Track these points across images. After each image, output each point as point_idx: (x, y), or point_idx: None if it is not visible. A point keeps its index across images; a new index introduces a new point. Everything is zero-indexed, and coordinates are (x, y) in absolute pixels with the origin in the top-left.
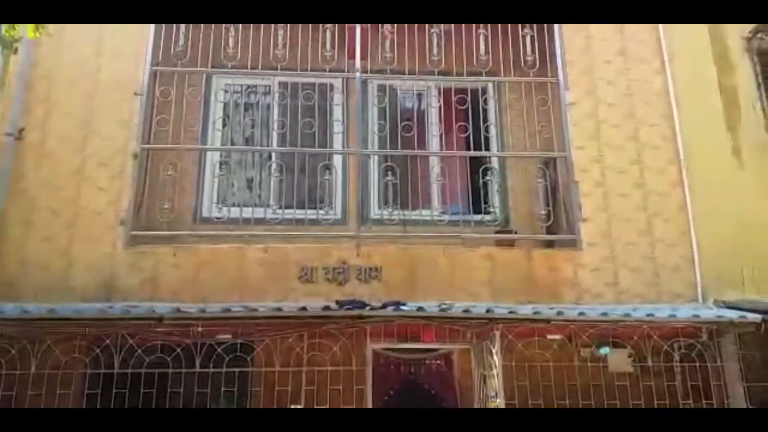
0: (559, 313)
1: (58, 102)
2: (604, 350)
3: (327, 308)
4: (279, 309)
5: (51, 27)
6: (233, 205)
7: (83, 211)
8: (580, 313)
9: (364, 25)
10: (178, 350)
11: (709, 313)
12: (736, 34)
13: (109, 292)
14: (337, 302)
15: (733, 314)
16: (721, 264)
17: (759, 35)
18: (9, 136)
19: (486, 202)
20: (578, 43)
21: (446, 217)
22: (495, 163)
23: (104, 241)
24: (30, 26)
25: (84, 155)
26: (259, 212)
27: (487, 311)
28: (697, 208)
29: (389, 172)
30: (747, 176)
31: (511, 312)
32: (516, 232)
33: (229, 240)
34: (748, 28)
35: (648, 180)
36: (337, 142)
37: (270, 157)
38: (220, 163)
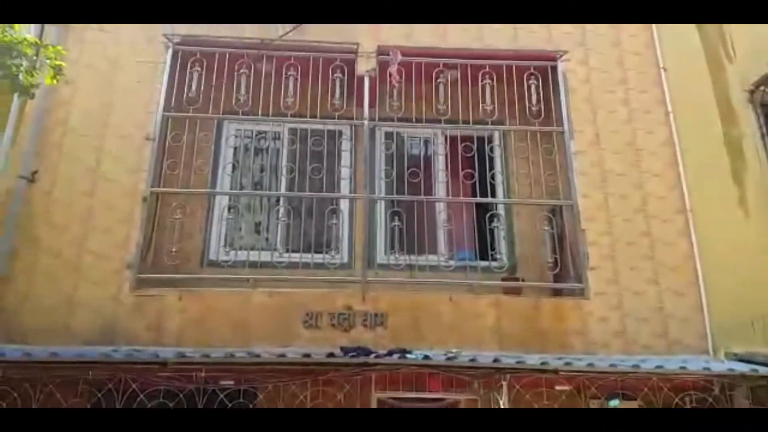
0: (568, 363)
1: (71, 147)
2: (614, 402)
3: (331, 355)
4: (283, 355)
5: (69, 74)
6: (240, 248)
7: (89, 254)
8: (589, 364)
9: (372, 74)
10: (181, 396)
11: (720, 366)
12: (738, 86)
13: (113, 336)
14: (342, 349)
15: (744, 367)
16: (730, 315)
17: (762, 88)
18: (21, 179)
19: (493, 249)
20: (582, 93)
21: (453, 263)
22: (501, 210)
23: (110, 284)
24: (48, 73)
25: (93, 199)
26: (266, 256)
27: (495, 361)
28: (704, 259)
29: (396, 217)
30: (753, 226)
31: (518, 362)
32: (523, 280)
33: (235, 284)
34: (751, 80)
35: (654, 229)
36: (345, 188)
37: (278, 201)
38: (229, 207)
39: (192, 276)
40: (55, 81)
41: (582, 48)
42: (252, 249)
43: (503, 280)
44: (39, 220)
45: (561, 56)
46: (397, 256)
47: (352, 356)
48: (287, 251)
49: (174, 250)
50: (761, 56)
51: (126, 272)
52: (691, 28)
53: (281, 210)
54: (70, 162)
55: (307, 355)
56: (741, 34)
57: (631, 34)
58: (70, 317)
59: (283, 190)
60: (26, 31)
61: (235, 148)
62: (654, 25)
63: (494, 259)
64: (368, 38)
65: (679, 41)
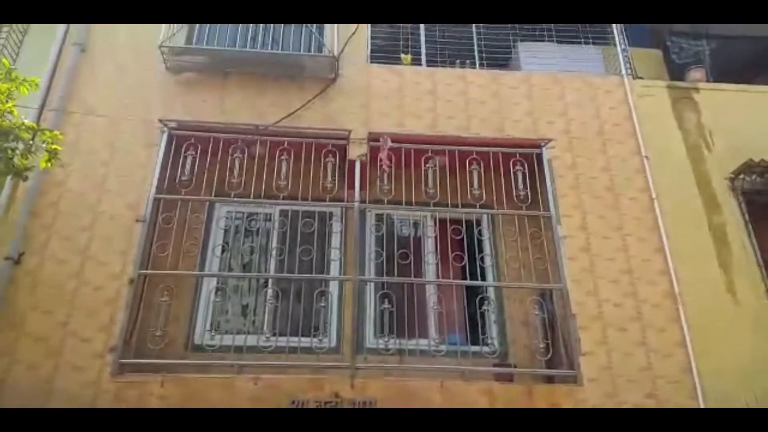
0: None
1: (61, 228)
2: None
3: None
4: None
5: (64, 157)
6: (226, 332)
7: (72, 337)
8: None
9: (363, 159)
10: None
11: None
12: (719, 175)
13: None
14: None
15: None
16: (725, 402)
17: (741, 176)
18: (8, 260)
19: (484, 333)
20: (568, 179)
21: (443, 348)
22: (492, 293)
23: (90, 369)
24: (43, 156)
25: (80, 281)
26: (252, 340)
27: None
28: (696, 345)
29: (386, 300)
30: (743, 313)
31: None
32: (515, 366)
33: (220, 369)
34: (731, 168)
35: (645, 314)
36: (334, 269)
37: (266, 283)
38: (216, 290)
39: (175, 361)
40: (49, 164)
41: (566, 136)
42: (238, 333)
43: (495, 365)
44: (23, 302)
45: (545, 144)
46: (386, 340)
47: None
48: (274, 335)
49: (158, 333)
50: (739, 145)
51: (108, 356)
52: (670, 117)
53: (269, 292)
54: (59, 244)
55: None
56: (718, 124)
57: (614, 123)
58: (47, 404)
59: (272, 271)
60: (24, 116)
61: (226, 230)
62: (635, 115)
63: (485, 344)
64: (360, 125)
65: (659, 130)
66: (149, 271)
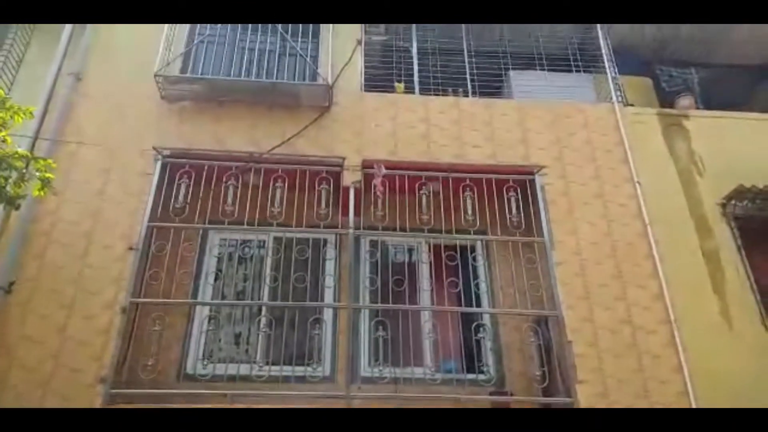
0: None
1: (53, 257)
2: None
3: None
4: None
5: (57, 186)
6: (219, 361)
7: (62, 368)
8: None
9: (357, 185)
10: None
11: None
12: (710, 200)
13: None
14: None
15: None
16: None
17: (732, 201)
18: None
19: (480, 361)
20: (561, 205)
21: (439, 376)
22: (487, 320)
23: (80, 399)
24: (36, 185)
25: (71, 311)
26: (245, 369)
27: None
28: (692, 370)
29: (380, 327)
30: (738, 337)
31: None
32: (512, 394)
33: (213, 399)
34: (722, 194)
35: (641, 341)
36: (329, 297)
37: (260, 311)
38: (209, 318)
39: (167, 391)
40: (42, 193)
41: (559, 163)
42: (231, 362)
43: (491, 394)
44: (13, 332)
45: (538, 170)
46: (381, 368)
47: None
48: (267, 364)
49: (150, 363)
50: (729, 171)
51: (99, 387)
52: (661, 143)
53: (263, 320)
54: (51, 273)
55: None
56: (708, 150)
57: (606, 150)
58: None
59: (265, 299)
60: (19, 145)
61: (219, 258)
62: (626, 141)
63: (481, 372)
64: (354, 152)
65: (650, 156)
66: (141, 300)
